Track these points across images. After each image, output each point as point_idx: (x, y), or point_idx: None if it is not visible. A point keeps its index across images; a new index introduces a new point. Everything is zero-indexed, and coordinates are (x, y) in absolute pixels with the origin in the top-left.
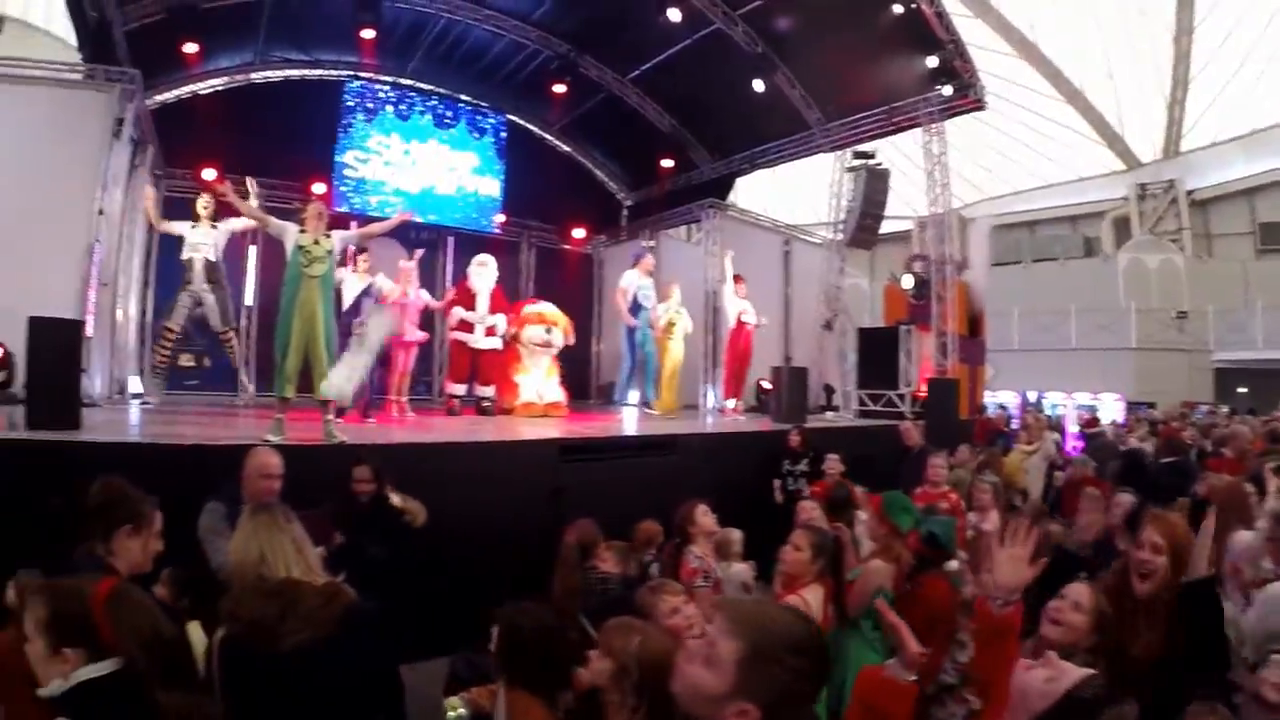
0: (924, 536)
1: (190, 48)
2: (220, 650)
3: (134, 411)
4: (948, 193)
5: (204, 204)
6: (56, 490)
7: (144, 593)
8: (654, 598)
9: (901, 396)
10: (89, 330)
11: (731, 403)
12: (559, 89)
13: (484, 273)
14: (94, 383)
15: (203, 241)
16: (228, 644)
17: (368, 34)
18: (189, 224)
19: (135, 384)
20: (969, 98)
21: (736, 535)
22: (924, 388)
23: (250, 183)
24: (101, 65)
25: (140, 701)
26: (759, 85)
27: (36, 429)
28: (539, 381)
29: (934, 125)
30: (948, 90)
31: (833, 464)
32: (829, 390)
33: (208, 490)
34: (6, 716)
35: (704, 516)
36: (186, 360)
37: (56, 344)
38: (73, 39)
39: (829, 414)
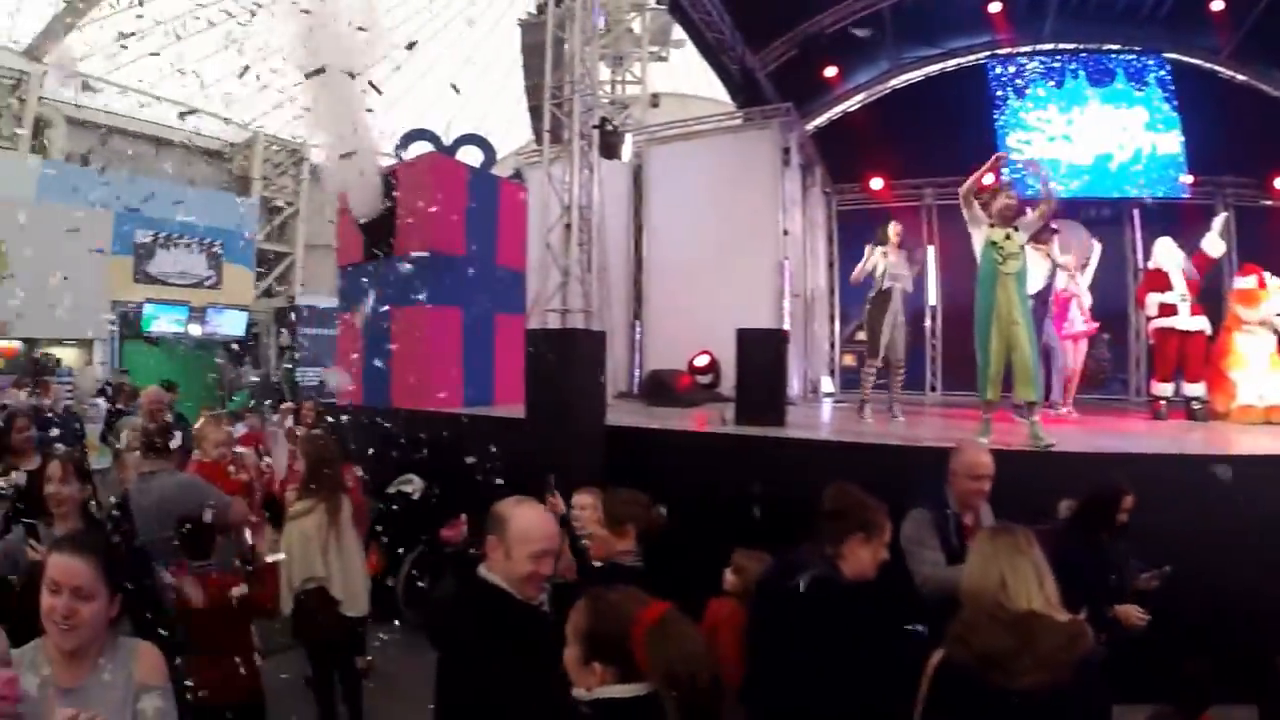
0: None
1: (829, 71)
2: (938, 673)
3: (827, 409)
4: None
5: (894, 230)
6: (762, 480)
7: (691, 626)
8: None
9: None
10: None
11: None
12: (1216, 5)
13: (1168, 248)
14: (791, 383)
15: (899, 271)
16: (948, 669)
17: (995, 7)
18: (880, 250)
19: (827, 383)
20: None
21: None
22: None
23: None
24: (757, 107)
25: None
26: None
27: (746, 425)
28: (1259, 377)
29: None
30: None
31: None
32: None
33: (907, 492)
34: None
35: None
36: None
37: (763, 351)
38: (718, 96)
39: None
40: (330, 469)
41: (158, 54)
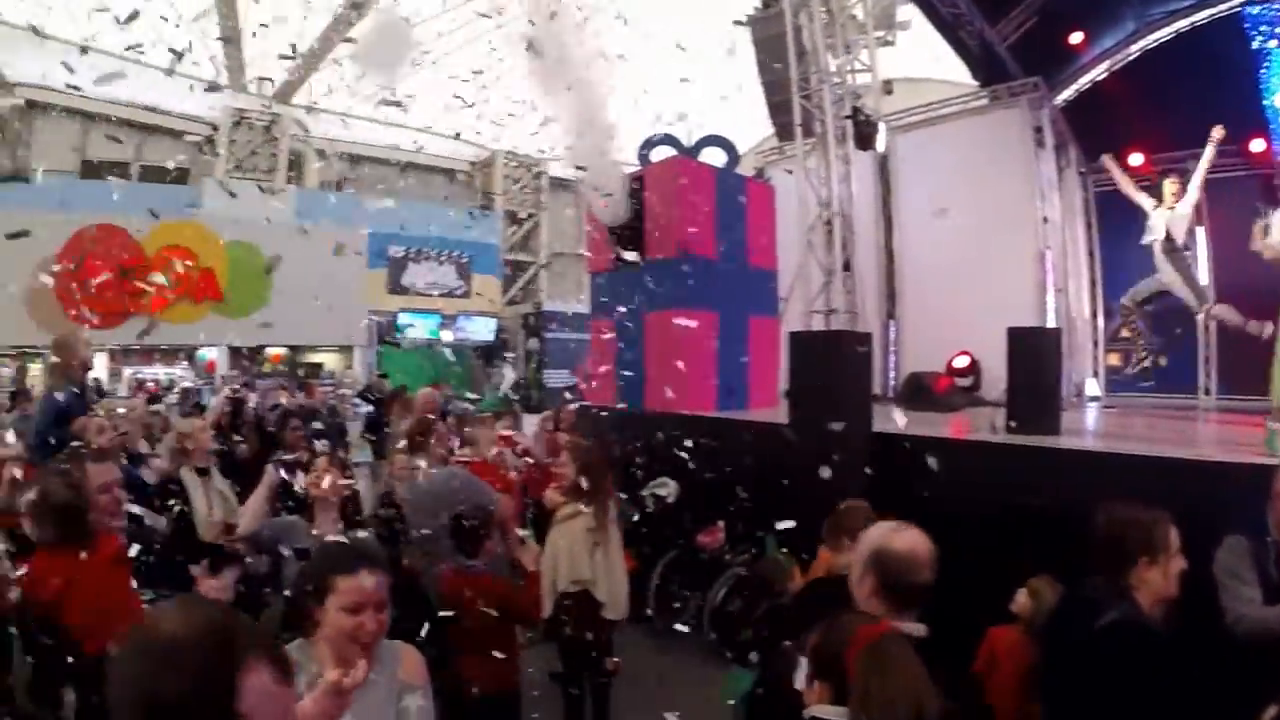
0: None
1: (1075, 38)
2: None
3: (1093, 415)
4: None
5: (1171, 187)
6: (1038, 494)
7: (911, 656)
8: None
9: None
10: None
11: None
12: None
13: None
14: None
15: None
16: None
17: None
18: (1152, 203)
19: (1092, 386)
20: None
21: None
22: None
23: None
24: (1002, 84)
25: None
26: None
27: (1019, 433)
28: None
29: None
30: None
31: None
32: None
33: (1219, 517)
34: None
35: None
36: (1131, 360)
37: (1035, 351)
38: (952, 78)
39: None
40: (598, 473)
41: (398, 103)
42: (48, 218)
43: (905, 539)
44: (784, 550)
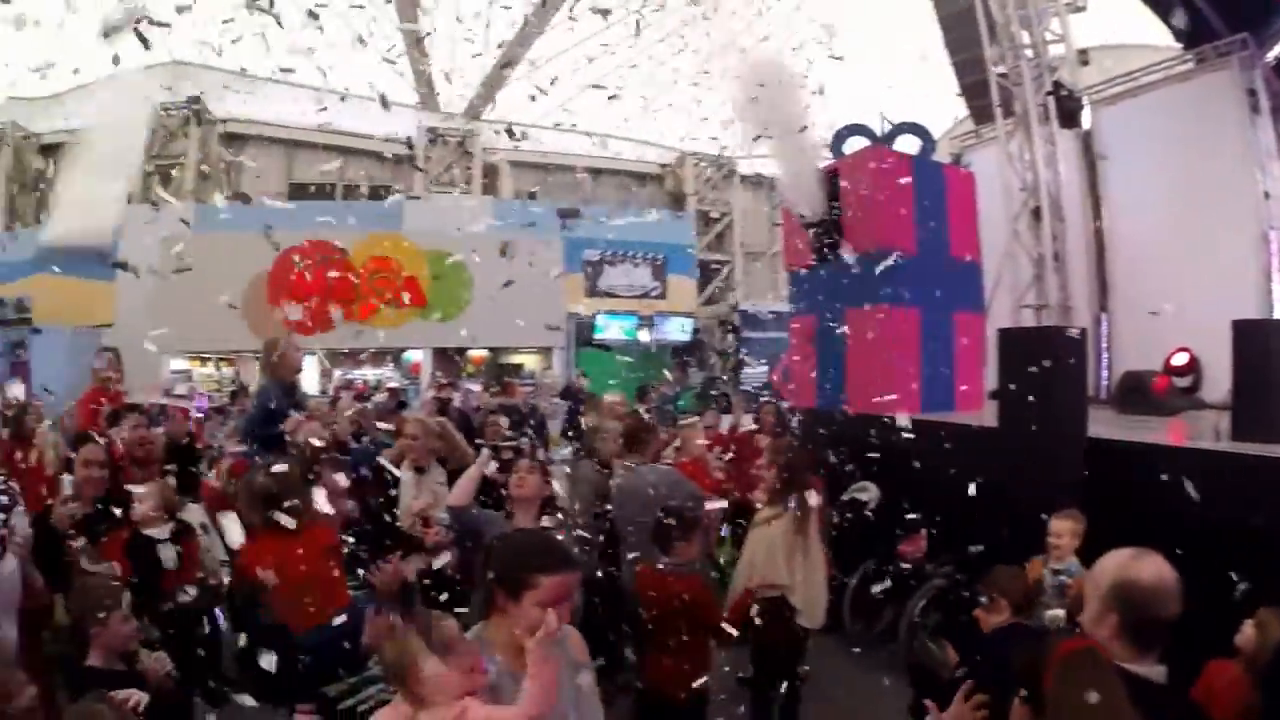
0: None
1: None
2: None
3: None
4: None
5: None
6: (1263, 511)
7: (1110, 675)
8: None
9: None
10: None
11: None
12: None
13: None
14: None
15: None
16: None
17: None
18: None
19: None
20: None
21: None
22: None
23: None
24: (1208, 44)
25: None
26: None
27: (1243, 440)
28: None
29: None
30: None
31: None
32: None
33: None
34: None
35: None
36: None
37: (1262, 347)
38: (1152, 41)
39: None
40: (800, 476)
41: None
42: (260, 237)
43: (1150, 568)
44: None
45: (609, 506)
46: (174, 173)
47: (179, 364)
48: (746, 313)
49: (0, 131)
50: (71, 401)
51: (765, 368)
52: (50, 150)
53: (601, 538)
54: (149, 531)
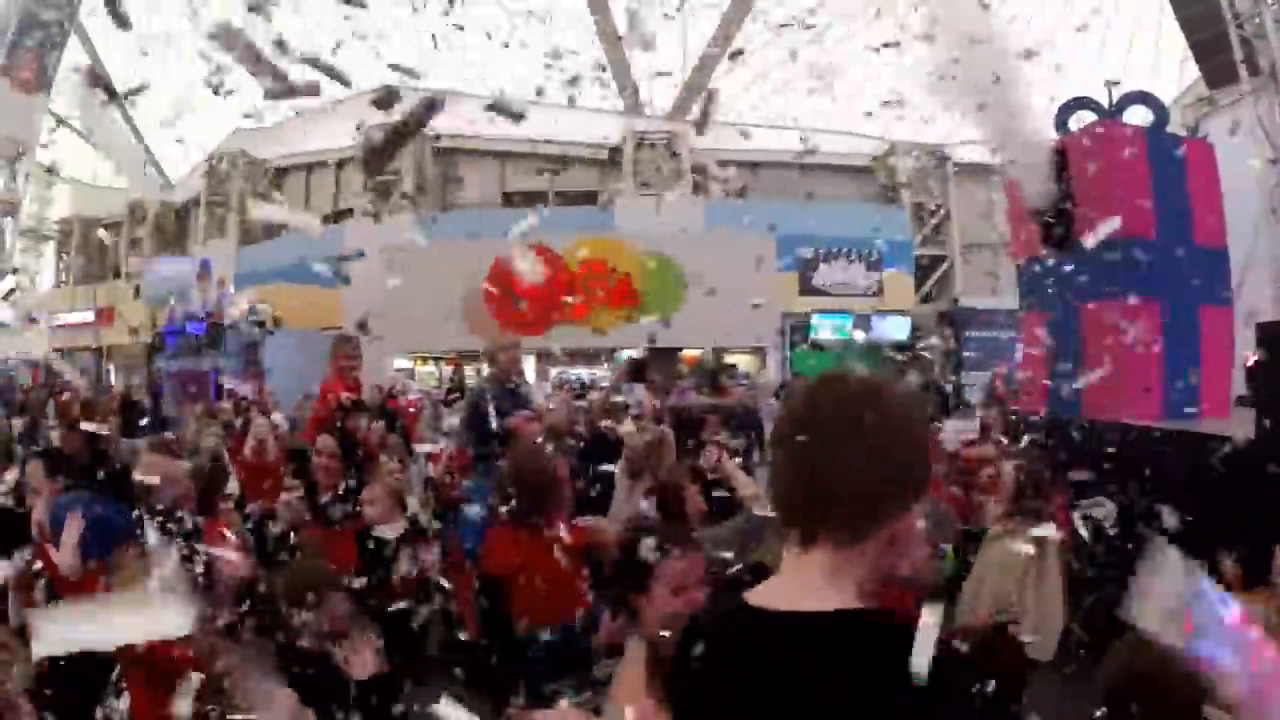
0: None
1: None
2: None
3: None
4: None
5: None
6: None
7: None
8: None
9: None
10: None
11: None
12: None
13: None
14: None
15: None
16: None
17: None
18: None
19: None
20: None
21: None
22: None
23: None
24: None
25: None
26: None
27: None
28: None
29: None
30: None
31: None
32: None
33: None
34: None
35: None
36: None
37: None
38: None
39: None
40: (1040, 489)
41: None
42: (475, 244)
43: None
44: None
45: None
46: (392, 188)
47: (402, 363)
48: (967, 310)
49: (232, 157)
50: (301, 399)
51: (987, 370)
52: (277, 174)
53: None
54: (380, 531)
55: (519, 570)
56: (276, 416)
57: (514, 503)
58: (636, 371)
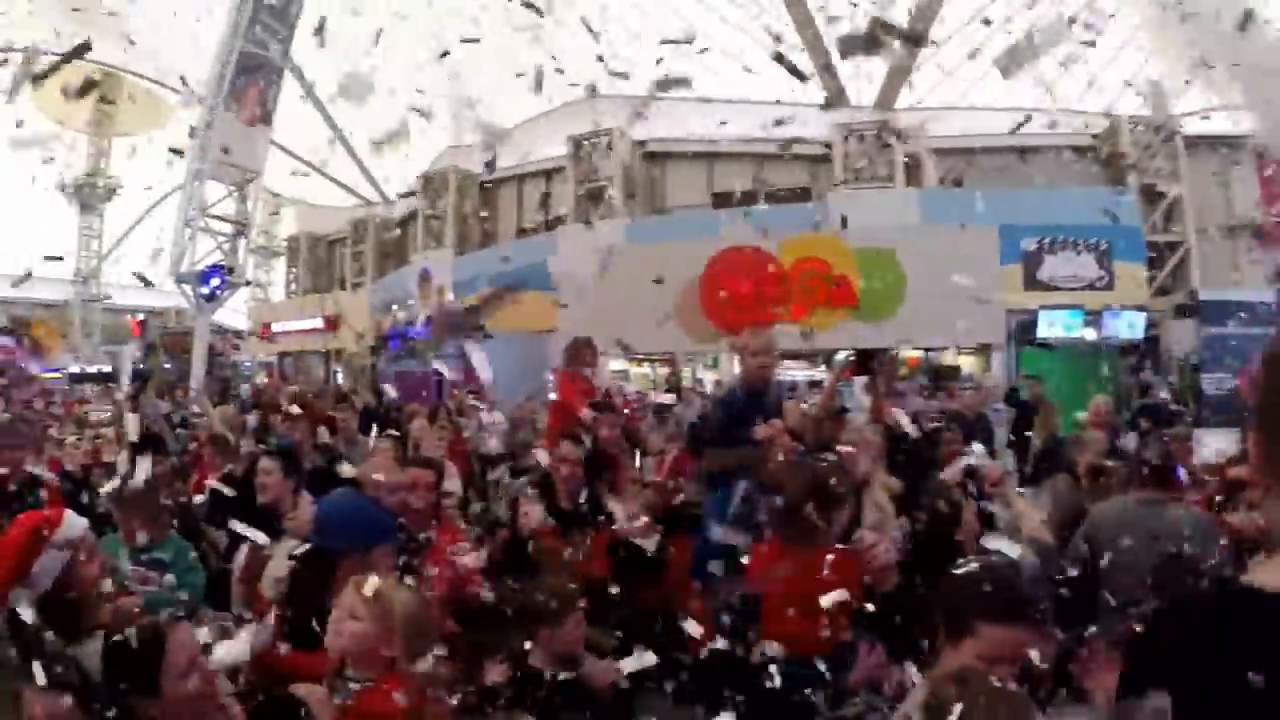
0: None
1: None
2: None
3: None
4: None
5: None
6: None
7: None
8: None
9: None
10: None
11: None
12: None
13: None
14: None
15: None
16: None
17: None
18: None
19: None
20: None
21: None
22: None
23: None
24: None
25: None
26: None
27: None
28: None
29: None
30: None
31: None
32: None
33: None
34: None
35: None
36: None
37: None
38: None
39: None
40: None
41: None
42: (687, 246)
43: None
44: None
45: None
46: (602, 194)
47: (617, 365)
48: (1210, 303)
49: (445, 175)
50: (519, 401)
51: (1232, 372)
52: (488, 186)
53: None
54: (639, 542)
55: (781, 591)
56: (497, 415)
57: (782, 518)
58: (862, 366)
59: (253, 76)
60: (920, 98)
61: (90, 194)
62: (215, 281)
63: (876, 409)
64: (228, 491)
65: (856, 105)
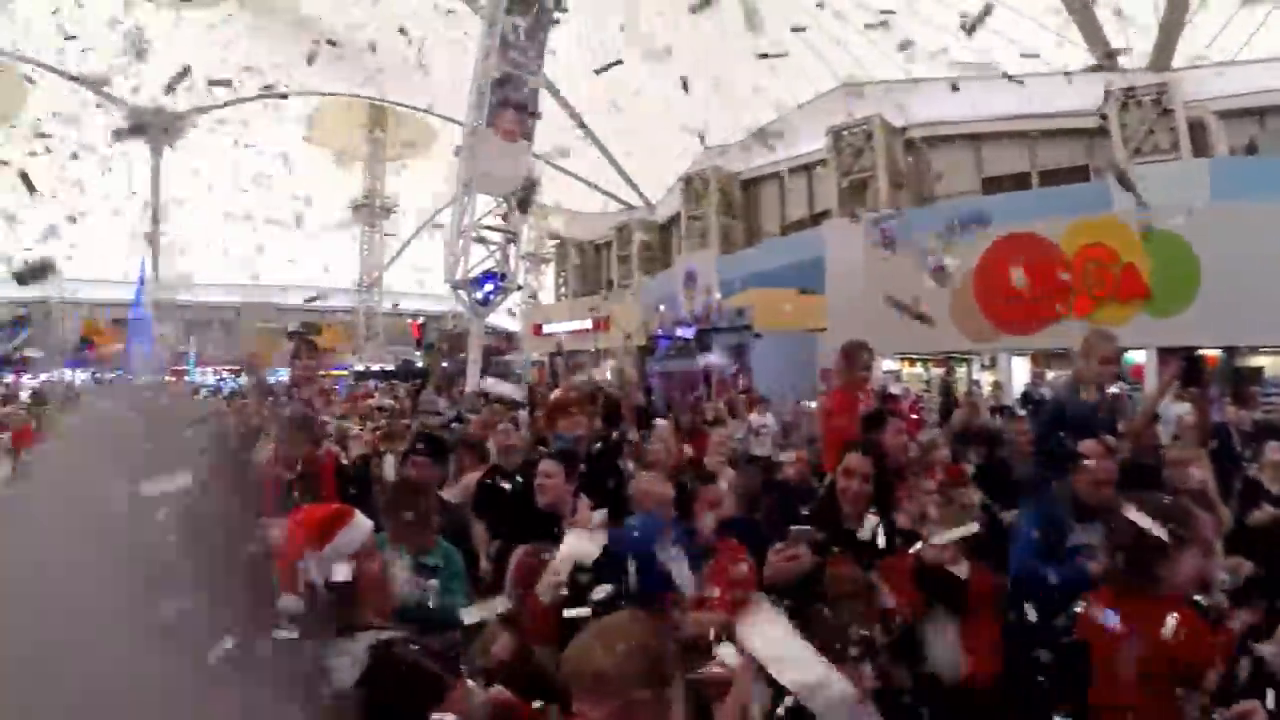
0: None
1: None
2: None
3: None
4: None
5: None
6: None
7: None
8: None
9: None
10: None
11: None
12: None
13: None
14: None
15: None
16: None
17: None
18: None
19: None
20: None
21: None
22: None
23: None
24: None
25: None
26: None
27: None
28: None
29: None
30: None
31: None
32: None
33: None
34: None
35: None
36: None
37: None
38: None
39: None
40: None
41: None
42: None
43: None
44: None
45: None
46: (868, 186)
47: (889, 365)
48: None
49: (705, 175)
50: (794, 402)
51: None
52: (748, 185)
53: None
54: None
55: (1108, 647)
56: (768, 418)
57: (1115, 561)
58: (1191, 376)
59: (508, 97)
60: (1198, 54)
61: (369, 214)
62: (489, 287)
63: (1202, 428)
64: (505, 486)
65: (1129, 68)
